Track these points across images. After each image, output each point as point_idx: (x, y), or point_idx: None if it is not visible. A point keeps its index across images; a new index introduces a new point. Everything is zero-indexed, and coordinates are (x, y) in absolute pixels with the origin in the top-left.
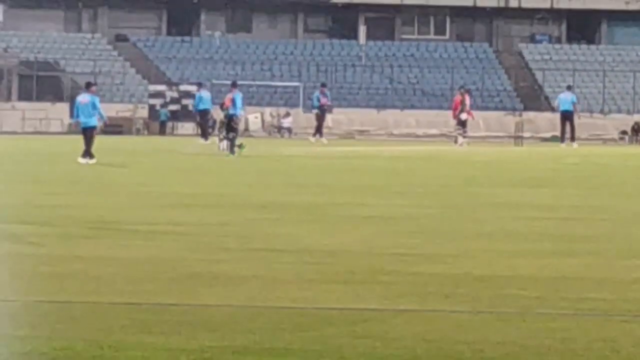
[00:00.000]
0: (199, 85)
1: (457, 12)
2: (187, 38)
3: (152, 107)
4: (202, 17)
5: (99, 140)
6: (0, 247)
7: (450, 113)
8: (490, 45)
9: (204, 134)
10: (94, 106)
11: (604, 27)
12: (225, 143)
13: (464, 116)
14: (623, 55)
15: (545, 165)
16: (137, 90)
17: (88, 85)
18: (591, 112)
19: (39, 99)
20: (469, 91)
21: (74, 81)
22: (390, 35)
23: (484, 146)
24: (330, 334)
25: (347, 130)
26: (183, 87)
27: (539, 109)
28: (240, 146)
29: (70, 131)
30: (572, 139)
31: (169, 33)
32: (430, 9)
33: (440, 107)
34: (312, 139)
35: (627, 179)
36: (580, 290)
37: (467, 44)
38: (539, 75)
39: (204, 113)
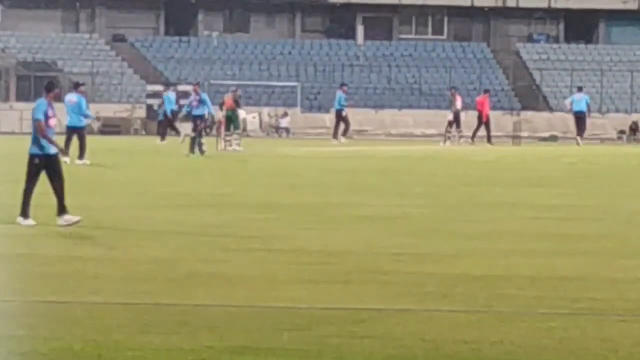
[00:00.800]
0: (167, 86)
1: (455, 12)
2: (185, 38)
3: (150, 108)
4: (200, 17)
5: (97, 141)
6: None
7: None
8: (488, 45)
9: (163, 135)
10: (80, 107)
11: (602, 27)
12: (224, 143)
13: (451, 116)
14: (621, 55)
15: (543, 165)
16: (135, 90)
17: (77, 86)
18: (589, 111)
19: (37, 99)
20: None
21: (72, 82)
22: (388, 35)
23: (482, 146)
24: (329, 334)
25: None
26: (182, 88)
27: (537, 108)
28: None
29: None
30: (581, 137)
31: (167, 33)
32: (428, 9)
33: (439, 107)
34: (343, 140)
35: (625, 179)
36: (578, 290)
37: (465, 43)
38: (537, 75)
39: (173, 114)
